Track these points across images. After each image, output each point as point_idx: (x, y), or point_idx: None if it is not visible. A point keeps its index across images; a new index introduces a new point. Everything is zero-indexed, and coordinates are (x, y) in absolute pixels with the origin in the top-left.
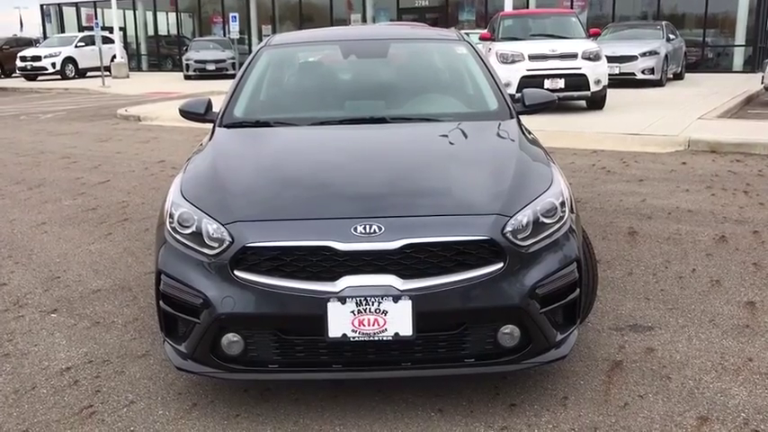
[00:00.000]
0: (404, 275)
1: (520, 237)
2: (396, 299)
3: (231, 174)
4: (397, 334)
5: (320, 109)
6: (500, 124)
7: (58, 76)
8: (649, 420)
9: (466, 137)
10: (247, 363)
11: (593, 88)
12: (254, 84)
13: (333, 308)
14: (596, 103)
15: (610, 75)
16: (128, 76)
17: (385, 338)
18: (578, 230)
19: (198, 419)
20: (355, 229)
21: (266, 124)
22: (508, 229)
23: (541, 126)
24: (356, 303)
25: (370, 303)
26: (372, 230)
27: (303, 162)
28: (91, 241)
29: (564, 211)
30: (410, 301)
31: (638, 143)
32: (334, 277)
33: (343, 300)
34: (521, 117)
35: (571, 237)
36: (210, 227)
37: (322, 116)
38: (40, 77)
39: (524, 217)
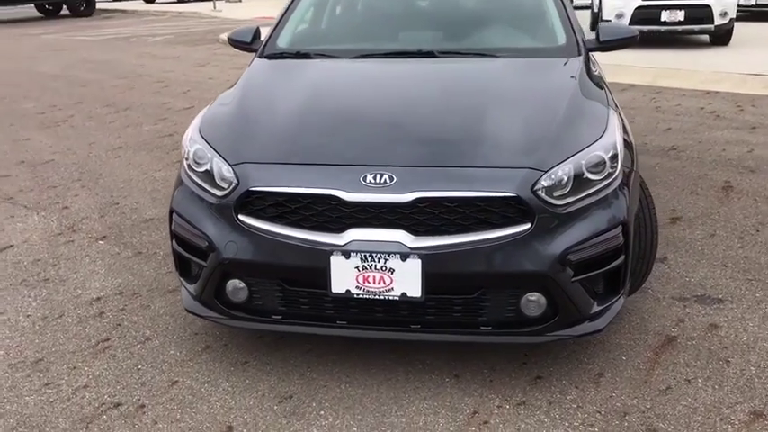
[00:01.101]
0: (415, 232)
1: (556, 194)
2: (404, 257)
3: (251, 111)
4: (404, 294)
5: (365, 40)
6: (564, 62)
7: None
8: (690, 410)
9: (518, 76)
10: (252, 311)
11: (718, 21)
12: (302, 11)
13: (336, 262)
14: (720, 38)
15: (744, 6)
16: (240, 1)
17: (391, 298)
18: (633, 188)
19: (205, 363)
20: (364, 179)
21: (306, 56)
22: (542, 184)
23: (652, 62)
24: (361, 259)
25: (376, 260)
26: (383, 180)
27: (327, 101)
28: (158, 168)
29: (614, 166)
30: (420, 261)
31: (759, 85)
32: (340, 229)
33: (347, 254)
34: (596, 55)
35: (621, 195)
36: (222, 167)
37: (365, 49)
38: (158, 0)
39: (564, 171)
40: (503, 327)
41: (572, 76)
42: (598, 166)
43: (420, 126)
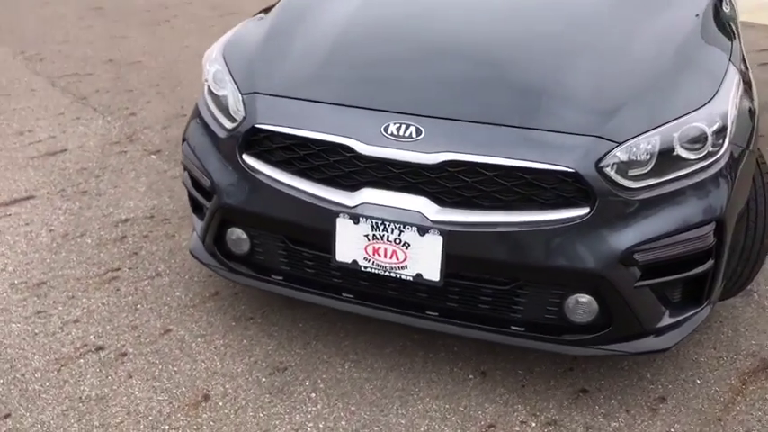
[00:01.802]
0: (442, 201)
1: (632, 174)
2: (422, 231)
3: (282, 31)
4: (419, 275)
5: None
6: None
7: None
8: None
9: (625, 10)
10: (252, 266)
11: None
12: None
13: (343, 225)
14: None
15: None
16: None
17: (404, 277)
18: (743, 173)
19: (207, 313)
20: (386, 129)
21: None
22: (615, 159)
23: None
24: (372, 226)
25: (389, 230)
26: (408, 134)
27: (372, 25)
28: None
29: (719, 144)
30: (441, 238)
31: None
32: (352, 187)
33: (355, 218)
34: None
35: (722, 182)
36: (237, 96)
37: None
38: None
39: (647, 145)
40: (539, 330)
41: (696, 15)
42: (697, 141)
43: (475, 69)
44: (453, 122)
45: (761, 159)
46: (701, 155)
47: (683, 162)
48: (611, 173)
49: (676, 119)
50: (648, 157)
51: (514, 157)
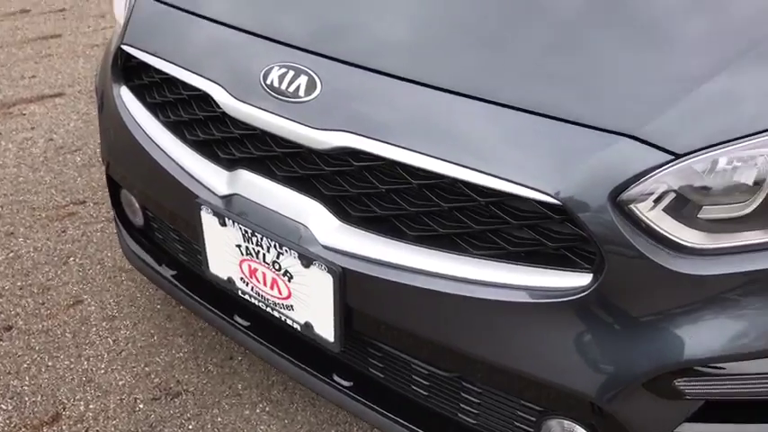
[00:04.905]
0: (344, 214)
1: (709, 215)
2: (305, 260)
3: None
4: (309, 327)
5: None
6: None
7: None
8: None
9: None
10: (153, 244)
11: None
12: None
13: (209, 224)
14: None
15: None
16: None
17: (289, 322)
18: None
19: (137, 284)
20: (266, 75)
21: None
22: (661, 186)
23: None
24: (243, 235)
25: (263, 246)
26: (294, 88)
27: None
28: None
29: None
30: (330, 278)
31: None
32: (229, 163)
33: (221, 218)
34: None
35: None
36: None
37: None
38: None
39: (737, 162)
40: None
41: None
42: None
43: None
44: (371, 77)
45: None
46: None
47: None
48: (650, 213)
49: None
50: (753, 184)
51: (453, 160)
